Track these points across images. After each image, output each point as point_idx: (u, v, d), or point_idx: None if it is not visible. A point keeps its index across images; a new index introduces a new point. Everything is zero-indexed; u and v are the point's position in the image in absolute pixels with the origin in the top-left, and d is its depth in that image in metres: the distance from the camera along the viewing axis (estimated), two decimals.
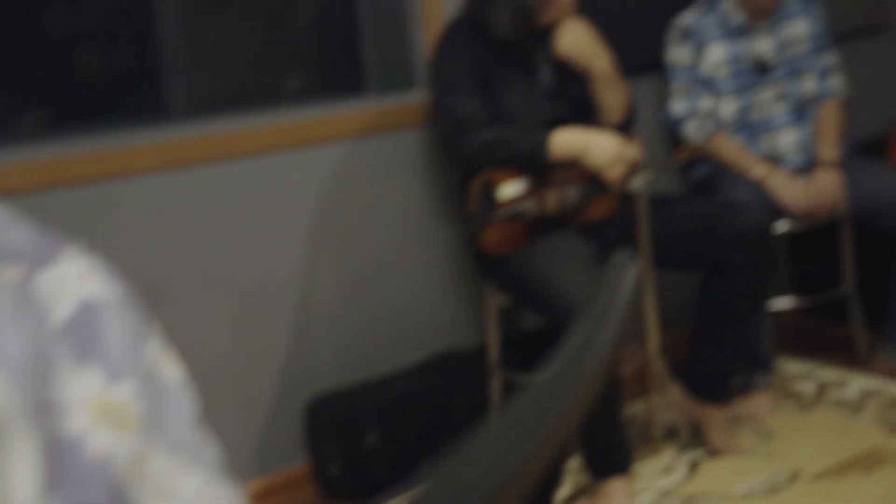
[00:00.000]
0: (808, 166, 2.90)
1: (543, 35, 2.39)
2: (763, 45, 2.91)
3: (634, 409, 2.81)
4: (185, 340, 2.39)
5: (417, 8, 2.60)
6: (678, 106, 2.92)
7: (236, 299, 2.45)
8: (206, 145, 2.38)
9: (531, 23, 2.31)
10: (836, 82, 2.98)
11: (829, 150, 2.87)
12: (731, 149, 2.88)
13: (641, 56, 3.04)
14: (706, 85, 2.90)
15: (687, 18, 2.91)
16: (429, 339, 2.80)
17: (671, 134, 3.03)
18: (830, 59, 3.00)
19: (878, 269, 2.94)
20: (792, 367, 3.09)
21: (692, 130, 2.90)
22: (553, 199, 2.30)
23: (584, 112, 2.43)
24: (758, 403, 2.79)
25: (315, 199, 2.56)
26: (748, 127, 2.93)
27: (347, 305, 2.64)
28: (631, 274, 0.59)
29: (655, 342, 2.51)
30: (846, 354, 3.12)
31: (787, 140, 2.92)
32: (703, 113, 2.89)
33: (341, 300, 2.63)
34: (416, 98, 2.65)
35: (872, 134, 3.42)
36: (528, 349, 2.72)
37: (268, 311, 2.50)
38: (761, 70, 2.90)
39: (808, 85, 2.95)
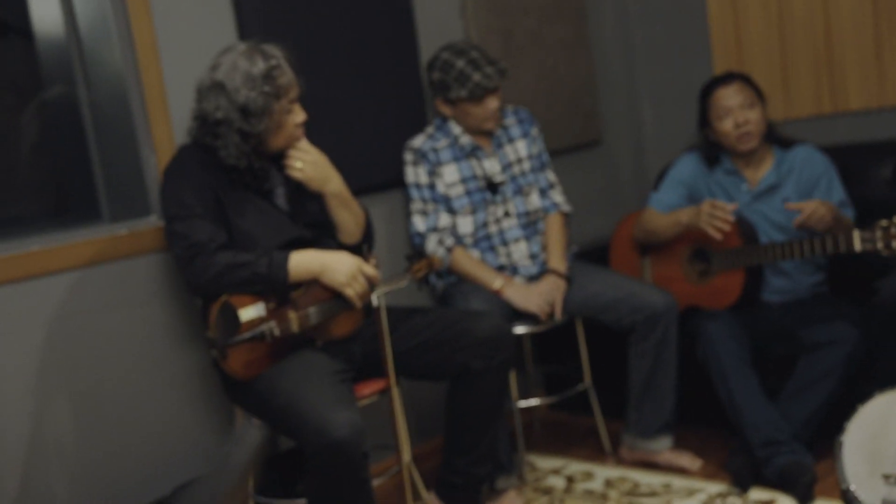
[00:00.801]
0: (540, 273, 3.12)
1: (277, 158, 2.44)
2: (492, 166, 3.13)
3: None
4: None
5: (147, 134, 2.59)
6: (419, 223, 3.07)
7: None
8: None
9: (260, 148, 2.35)
10: (557, 197, 3.25)
11: (556, 260, 3.12)
12: (470, 262, 3.05)
13: (386, 173, 3.18)
14: (444, 203, 3.07)
15: (419, 141, 3.09)
16: (180, 467, 2.69)
17: (415, 248, 3.16)
18: (550, 176, 3.27)
19: (613, 363, 3.17)
20: (543, 463, 3.23)
21: (433, 246, 3.05)
22: (295, 319, 2.31)
23: (322, 232, 2.49)
24: (510, 502, 2.88)
25: (48, 330, 2.44)
26: (486, 240, 3.12)
27: (86, 440, 2.50)
28: (249, 442, 0.62)
29: (407, 453, 2.55)
30: (594, 445, 3.32)
31: (520, 251, 3.14)
32: (442, 229, 3.05)
33: (78, 435, 2.48)
34: (152, 224, 2.61)
35: (599, 239, 3.73)
36: (283, 472, 2.67)
37: None
38: (492, 189, 3.12)
39: (533, 201, 3.19)
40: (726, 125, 2.98)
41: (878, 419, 2.38)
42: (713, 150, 3.06)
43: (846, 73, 3.52)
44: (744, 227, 2.95)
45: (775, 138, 3.04)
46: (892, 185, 3.27)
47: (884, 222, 2.59)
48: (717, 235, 2.84)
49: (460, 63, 2.99)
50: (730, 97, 2.98)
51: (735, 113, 2.96)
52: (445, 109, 3.08)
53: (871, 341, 2.72)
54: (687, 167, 3.14)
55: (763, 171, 3.03)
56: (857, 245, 2.63)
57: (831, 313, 2.86)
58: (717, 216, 2.83)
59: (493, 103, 3.03)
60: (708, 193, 3.09)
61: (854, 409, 2.42)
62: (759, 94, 3.00)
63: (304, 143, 2.42)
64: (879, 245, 2.58)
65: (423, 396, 3.23)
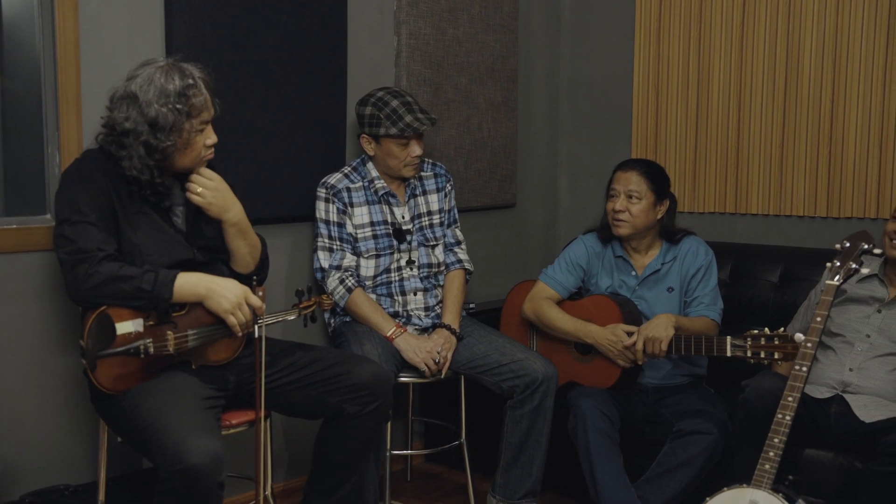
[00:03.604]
0: (432, 326, 3.17)
1: (182, 177, 2.44)
2: (402, 214, 3.18)
3: None
4: None
5: (55, 131, 2.56)
6: (323, 259, 3.09)
7: None
8: None
9: (164, 164, 2.35)
10: (462, 255, 3.32)
11: (450, 316, 3.17)
12: (367, 305, 3.08)
13: (297, 206, 3.20)
14: (350, 243, 3.10)
15: (335, 179, 3.12)
16: (37, 473, 2.63)
17: (316, 283, 3.18)
18: (458, 233, 3.34)
19: (492, 423, 3.22)
20: None
21: (334, 284, 3.07)
22: (173, 340, 2.30)
23: (215, 257, 2.49)
24: None
25: None
26: (385, 286, 3.15)
27: None
28: None
29: (268, 486, 2.55)
30: (461, 502, 3.34)
31: (416, 302, 3.18)
32: (345, 269, 3.08)
33: None
34: (46, 222, 2.58)
35: (498, 300, 3.79)
36: (139, 490, 2.64)
37: None
38: (399, 237, 3.16)
39: (437, 255, 3.25)
40: (609, 205, 3.14)
41: None
42: (609, 227, 3.17)
43: (751, 177, 3.69)
44: (630, 316, 3.05)
45: (665, 233, 3.17)
46: (779, 289, 3.42)
47: (754, 331, 2.73)
48: (626, 366, 2.97)
49: (395, 103, 3.05)
50: (619, 182, 3.12)
51: (618, 199, 3.09)
52: (369, 147, 3.12)
53: (731, 436, 2.83)
54: (582, 249, 3.24)
55: (650, 259, 3.15)
56: (728, 352, 2.77)
57: (701, 405, 2.97)
58: (628, 355, 2.95)
59: (416, 150, 3.09)
60: (601, 273, 3.19)
61: (703, 501, 2.51)
62: (656, 189, 3.11)
63: (207, 170, 2.42)
64: (748, 353, 2.73)
65: (302, 431, 3.22)
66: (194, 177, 2.40)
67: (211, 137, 2.40)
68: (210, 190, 2.40)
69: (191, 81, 2.30)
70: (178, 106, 2.27)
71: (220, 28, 2.90)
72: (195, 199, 2.40)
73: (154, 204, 2.37)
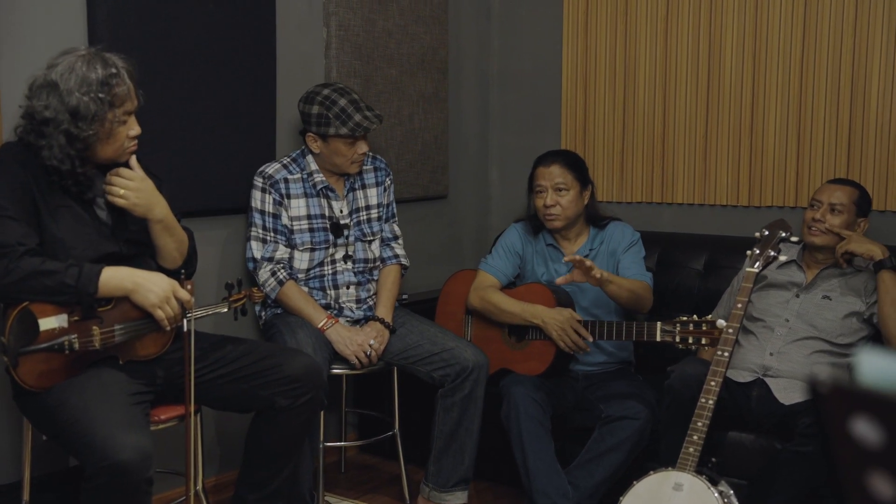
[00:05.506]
0: (364, 319, 3.17)
1: (104, 168, 2.38)
2: (340, 208, 3.17)
3: None
4: None
5: None
6: (256, 250, 3.07)
7: None
8: None
9: (86, 154, 2.28)
10: (399, 250, 3.33)
11: (384, 309, 3.18)
12: (299, 297, 3.06)
13: (230, 198, 3.17)
14: (284, 235, 3.09)
15: (273, 169, 3.10)
16: None
17: (247, 275, 3.16)
18: (395, 228, 3.35)
19: (425, 413, 3.24)
20: None
21: (265, 276, 3.05)
22: (98, 335, 2.26)
23: (142, 251, 2.45)
24: None
25: None
26: (318, 279, 3.14)
27: None
28: None
29: (199, 480, 2.53)
30: (395, 492, 3.36)
31: (349, 295, 3.18)
32: (278, 261, 3.06)
33: None
34: None
35: (432, 290, 3.81)
36: (65, 489, 2.59)
37: None
38: (337, 232, 3.15)
39: (374, 249, 3.25)
40: (538, 202, 3.17)
41: (648, 496, 2.53)
42: (536, 220, 3.21)
43: (676, 168, 3.78)
44: (562, 301, 3.10)
45: (591, 218, 3.22)
46: (703, 276, 3.51)
47: (683, 318, 2.79)
48: (567, 350, 2.98)
49: (342, 102, 3.02)
50: (544, 178, 3.15)
51: (546, 194, 3.13)
52: (314, 145, 3.10)
53: (658, 421, 2.90)
54: (516, 237, 3.29)
55: (579, 245, 3.21)
56: (658, 336, 2.83)
57: (629, 390, 3.03)
58: (578, 343, 2.95)
59: (362, 147, 3.08)
60: (535, 260, 3.24)
61: (630, 484, 2.57)
62: (580, 178, 3.16)
63: (125, 170, 2.36)
64: (677, 339, 2.79)
65: (233, 425, 3.20)
66: (114, 178, 2.34)
67: (134, 129, 2.36)
68: (133, 191, 2.34)
69: (114, 71, 2.26)
70: (100, 95, 2.22)
71: (144, 17, 2.85)
72: (119, 202, 2.33)
73: (76, 195, 2.32)
